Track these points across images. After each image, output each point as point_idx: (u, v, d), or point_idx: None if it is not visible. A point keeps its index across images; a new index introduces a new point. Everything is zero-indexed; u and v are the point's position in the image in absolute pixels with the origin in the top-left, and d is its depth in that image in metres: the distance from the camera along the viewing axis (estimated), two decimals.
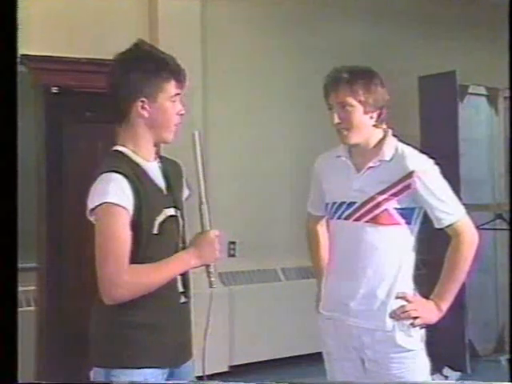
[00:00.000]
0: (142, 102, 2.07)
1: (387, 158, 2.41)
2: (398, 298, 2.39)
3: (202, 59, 5.03)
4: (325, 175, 2.57)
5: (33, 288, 4.24)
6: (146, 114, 2.07)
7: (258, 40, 5.36)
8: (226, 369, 4.96)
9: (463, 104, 5.45)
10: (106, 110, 2.09)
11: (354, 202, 2.43)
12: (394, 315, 2.38)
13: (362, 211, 2.41)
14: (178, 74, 2.10)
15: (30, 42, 3.82)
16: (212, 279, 2.12)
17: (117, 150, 2.12)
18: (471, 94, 5.65)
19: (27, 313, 4.16)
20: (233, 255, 5.27)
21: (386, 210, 2.38)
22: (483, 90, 5.77)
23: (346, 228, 2.45)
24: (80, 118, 4.47)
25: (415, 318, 2.38)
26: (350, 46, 5.53)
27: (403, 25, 5.77)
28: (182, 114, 2.12)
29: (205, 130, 5.06)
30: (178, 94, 2.11)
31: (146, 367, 2.04)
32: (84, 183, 2.07)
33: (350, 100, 2.40)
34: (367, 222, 2.40)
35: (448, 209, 2.40)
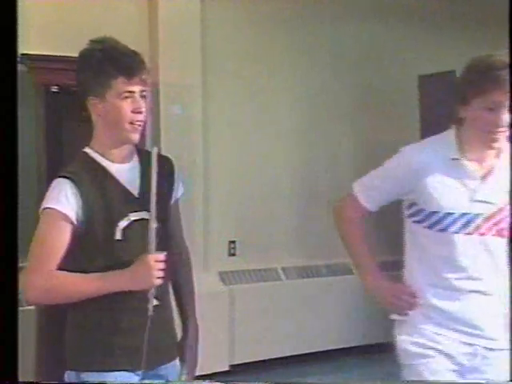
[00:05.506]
0: (94, 100, 2.02)
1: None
2: None
3: (202, 59, 5.02)
4: (431, 177, 2.25)
5: None
6: (98, 112, 2.03)
7: (258, 40, 5.36)
8: (226, 368, 4.97)
9: None
10: None
11: (480, 214, 2.21)
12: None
13: (489, 224, 2.21)
14: (128, 71, 1.98)
15: (30, 41, 3.82)
16: (149, 306, 1.94)
17: (84, 152, 2.09)
18: None
19: (27, 313, 4.15)
20: (233, 254, 5.28)
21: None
22: None
23: (468, 243, 2.21)
24: (80, 118, 4.45)
25: None
26: (350, 46, 5.54)
27: (403, 24, 5.76)
28: (140, 112, 1.99)
29: (205, 130, 5.07)
30: (131, 91, 1.98)
31: (115, 370, 1.99)
32: None
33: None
34: (494, 235, 2.21)
35: None
